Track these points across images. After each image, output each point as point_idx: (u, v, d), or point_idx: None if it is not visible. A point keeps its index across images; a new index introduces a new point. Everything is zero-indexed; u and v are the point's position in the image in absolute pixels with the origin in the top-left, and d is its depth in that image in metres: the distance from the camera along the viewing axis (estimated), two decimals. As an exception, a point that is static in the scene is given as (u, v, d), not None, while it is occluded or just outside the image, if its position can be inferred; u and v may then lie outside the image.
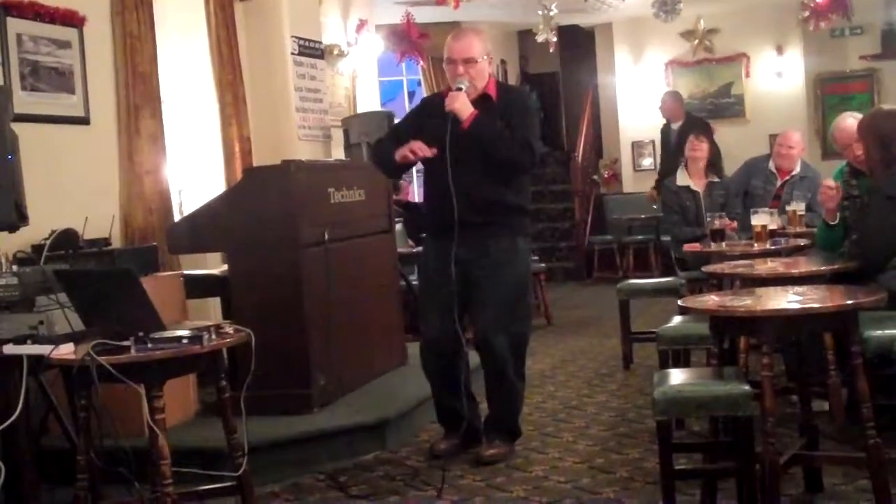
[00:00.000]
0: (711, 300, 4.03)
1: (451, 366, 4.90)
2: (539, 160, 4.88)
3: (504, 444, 4.87)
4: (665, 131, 10.90)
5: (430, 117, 4.83)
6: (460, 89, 4.68)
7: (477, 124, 4.65)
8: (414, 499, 4.40)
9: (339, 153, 8.18)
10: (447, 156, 4.60)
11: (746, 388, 3.68)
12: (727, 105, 13.44)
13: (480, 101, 4.76)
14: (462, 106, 4.65)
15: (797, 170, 6.87)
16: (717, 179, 7.35)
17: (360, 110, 8.96)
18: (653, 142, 12.82)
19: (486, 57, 4.79)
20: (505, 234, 4.80)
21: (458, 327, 4.76)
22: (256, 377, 3.86)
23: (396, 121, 8.01)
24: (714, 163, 7.46)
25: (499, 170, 4.71)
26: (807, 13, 11.55)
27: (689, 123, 10.10)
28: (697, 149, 7.36)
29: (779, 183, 6.89)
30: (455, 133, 4.61)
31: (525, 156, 4.71)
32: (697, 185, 7.31)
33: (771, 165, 6.98)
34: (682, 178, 7.41)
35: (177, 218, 6.25)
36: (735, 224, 6.56)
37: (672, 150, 10.15)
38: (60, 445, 4.30)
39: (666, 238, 8.10)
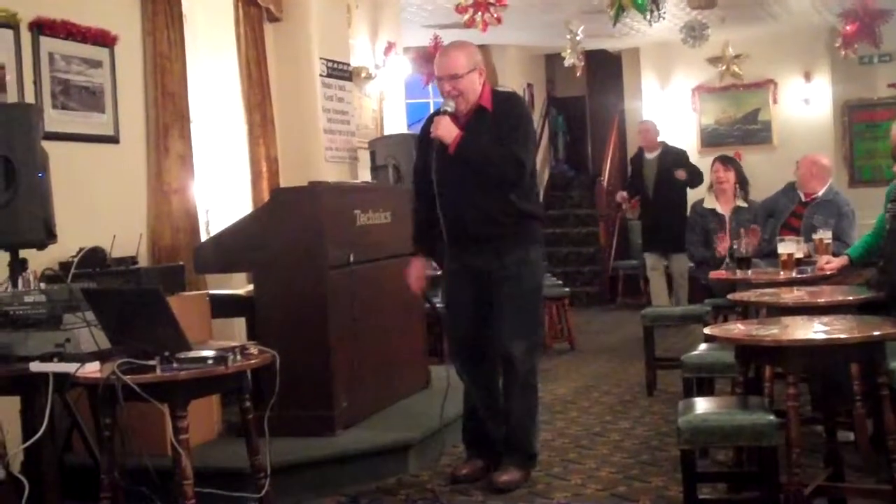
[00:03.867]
0: (737, 329, 4.02)
1: (480, 373, 4.91)
2: (529, 172, 4.82)
3: (518, 470, 4.81)
4: (638, 159, 10.35)
5: (430, 143, 4.82)
6: (446, 112, 4.71)
7: (462, 148, 4.67)
8: (435, 523, 4.40)
9: (365, 175, 8.19)
10: (435, 178, 4.71)
11: (771, 417, 3.67)
12: (754, 131, 13.41)
13: (475, 113, 4.77)
14: (445, 131, 4.67)
15: (820, 192, 6.82)
16: (744, 204, 7.35)
17: (386, 132, 8.98)
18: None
19: (474, 69, 4.76)
20: (518, 245, 4.82)
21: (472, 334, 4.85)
22: (280, 398, 3.87)
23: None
24: (742, 186, 7.46)
25: (493, 184, 4.72)
26: (839, 42, 11.51)
27: (669, 154, 9.96)
28: (724, 180, 7.40)
29: (799, 201, 6.86)
30: (443, 158, 4.67)
31: (512, 171, 4.70)
32: (724, 209, 7.35)
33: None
34: (709, 202, 7.47)
35: (203, 237, 6.27)
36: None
37: (653, 177, 9.91)
38: (84, 463, 4.33)
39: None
